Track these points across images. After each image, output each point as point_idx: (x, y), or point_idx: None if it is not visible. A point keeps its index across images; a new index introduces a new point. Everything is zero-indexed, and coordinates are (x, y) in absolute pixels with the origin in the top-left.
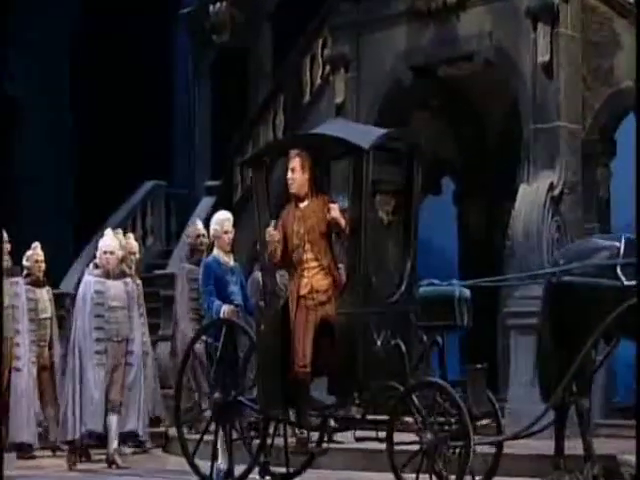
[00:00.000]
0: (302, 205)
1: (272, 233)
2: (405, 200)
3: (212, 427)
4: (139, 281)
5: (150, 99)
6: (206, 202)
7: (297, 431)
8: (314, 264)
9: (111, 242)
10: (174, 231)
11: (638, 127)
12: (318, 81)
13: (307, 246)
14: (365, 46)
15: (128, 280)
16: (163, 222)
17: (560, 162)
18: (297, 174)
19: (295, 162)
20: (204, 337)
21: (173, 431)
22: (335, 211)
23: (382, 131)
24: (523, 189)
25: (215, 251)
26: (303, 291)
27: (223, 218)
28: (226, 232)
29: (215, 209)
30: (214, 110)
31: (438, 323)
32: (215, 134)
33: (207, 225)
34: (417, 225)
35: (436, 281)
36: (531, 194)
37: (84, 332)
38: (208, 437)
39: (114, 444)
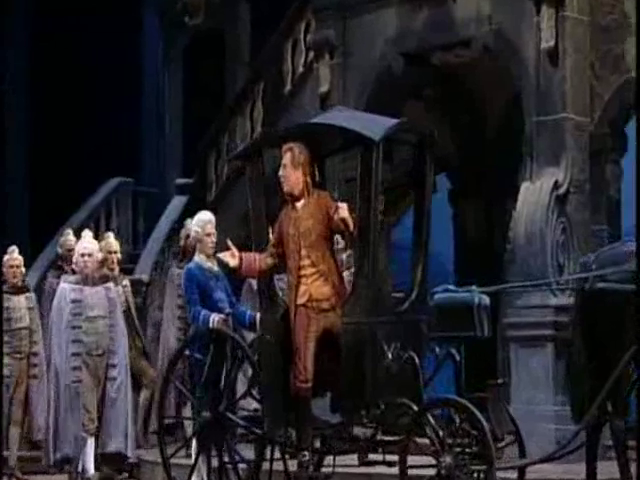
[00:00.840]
0: (298, 205)
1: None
2: (415, 199)
3: (196, 450)
4: (126, 282)
5: (116, 88)
6: (177, 201)
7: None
8: (312, 270)
9: (89, 244)
10: (141, 233)
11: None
12: (301, 68)
13: (303, 251)
14: (352, 30)
15: (110, 285)
16: (130, 223)
17: (566, 158)
18: (289, 170)
19: (286, 157)
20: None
21: (144, 453)
22: (344, 211)
23: (392, 121)
24: (525, 188)
25: (197, 256)
26: (301, 300)
27: (205, 219)
28: (208, 235)
29: (187, 209)
30: (186, 100)
31: (456, 334)
32: (187, 126)
33: (179, 226)
34: (429, 227)
35: (452, 287)
36: (534, 193)
37: (59, 346)
38: (191, 461)
39: (90, 470)
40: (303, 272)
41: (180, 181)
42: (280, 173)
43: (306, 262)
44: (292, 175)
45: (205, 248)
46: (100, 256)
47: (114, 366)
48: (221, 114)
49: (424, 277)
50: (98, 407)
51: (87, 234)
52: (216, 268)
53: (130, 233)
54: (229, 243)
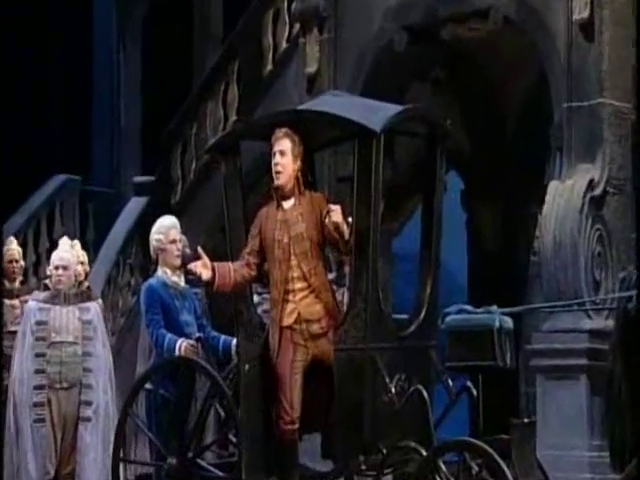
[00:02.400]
0: (287, 205)
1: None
2: (423, 201)
3: None
4: (100, 301)
5: (62, 71)
6: (135, 204)
7: None
8: (302, 284)
9: (65, 253)
10: (92, 240)
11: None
12: (284, 44)
13: (293, 260)
14: None
15: (89, 305)
16: (77, 229)
17: (603, 152)
18: (287, 159)
19: (284, 144)
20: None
21: None
22: (337, 215)
23: (394, 108)
24: (554, 188)
25: (160, 270)
26: (287, 321)
27: (168, 224)
28: (173, 242)
29: (147, 213)
30: (146, 83)
31: (472, 363)
32: (147, 114)
33: (135, 233)
34: (439, 235)
35: (467, 307)
36: (564, 194)
37: (20, 377)
38: None
39: None
40: (291, 286)
41: (138, 179)
42: (276, 161)
43: (296, 274)
44: (289, 166)
45: (169, 259)
46: (79, 269)
47: (88, 404)
48: (188, 99)
49: (433, 295)
50: (69, 454)
51: (65, 242)
52: (183, 284)
53: (77, 241)
54: (200, 251)
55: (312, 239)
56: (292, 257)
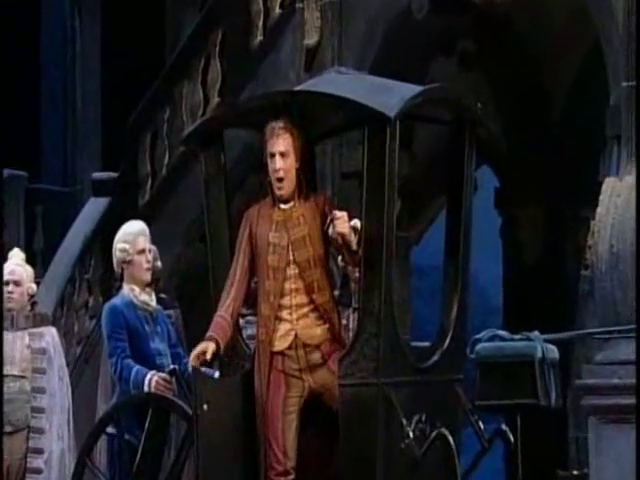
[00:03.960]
0: (285, 206)
1: None
2: (448, 204)
3: None
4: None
5: (6, 47)
6: (94, 205)
7: None
8: (301, 300)
9: (18, 267)
10: (41, 250)
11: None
12: (277, 10)
13: (293, 269)
14: None
15: (42, 331)
16: (22, 234)
17: None
18: (290, 162)
19: (285, 142)
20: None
21: None
22: (343, 224)
23: (413, 89)
24: (610, 186)
25: (125, 287)
26: (280, 345)
27: (135, 231)
28: (142, 252)
29: (109, 216)
30: (107, 60)
31: (509, 402)
32: (108, 98)
33: (94, 241)
34: (468, 245)
35: (502, 333)
36: (622, 194)
37: None
38: None
39: None
40: (288, 301)
41: (98, 176)
42: (277, 166)
43: (294, 285)
44: (293, 170)
45: (137, 273)
46: (33, 286)
47: (39, 452)
48: (159, 78)
49: (461, 318)
50: None
51: (16, 253)
52: (154, 304)
53: (23, 249)
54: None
55: (315, 246)
56: (291, 265)
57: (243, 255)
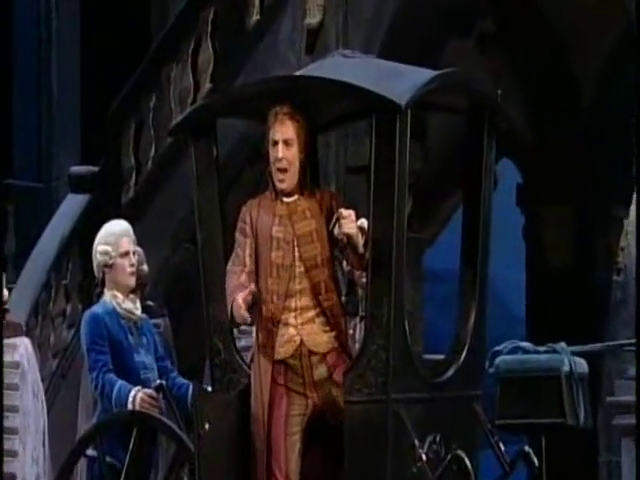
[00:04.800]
0: (288, 200)
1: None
2: (466, 201)
3: None
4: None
5: None
6: (72, 203)
7: None
8: (307, 302)
9: None
10: (13, 253)
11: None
12: None
13: (299, 266)
14: None
15: (16, 342)
16: None
17: None
18: (293, 151)
19: (289, 130)
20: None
21: None
22: (350, 224)
23: (426, 74)
24: None
25: (107, 293)
26: (283, 352)
27: (118, 232)
28: (125, 255)
29: (89, 215)
30: (86, 42)
31: (532, 421)
32: (88, 85)
33: (72, 243)
34: (487, 247)
35: (525, 344)
36: None
37: None
38: None
39: None
40: (293, 303)
41: (76, 170)
42: (280, 155)
43: (299, 286)
44: (297, 161)
45: (120, 279)
46: (5, 294)
47: (12, 478)
48: (144, 62)
49: (479, 328)
50: None
51: None
52: (139, 312)
53: None
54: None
55: (323, 243)
56: (296, 262)
57: (250, 248)
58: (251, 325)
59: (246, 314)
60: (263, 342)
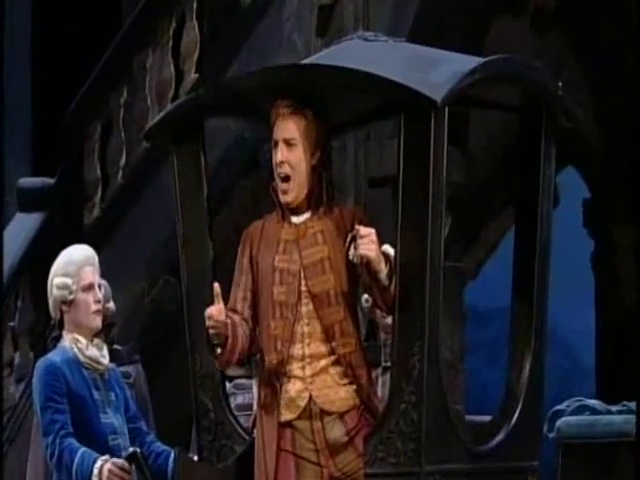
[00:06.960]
0: (296, 220)
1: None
2: (519, 220)
3: None
4: None
5: None
6: (21, 224)
7: None
8: (317, 349)
9: None
10: None
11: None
12: None
13: (306, 304)
14: None
15: None
16: None
17: None
18: (297, 153)
19: (292, 127)
20: None
21: None
22: (369, 241)
23: (469, 62)
24: None
25: (67, 338)
26: (289, 413)
27: (79, 260)
28: (88, 288)
29: (42, 238)
30: (39, 27)
31: None
32: (41, 79)
33: (20, 274)
34: (546, 277)
35: (595, 402)
36: None
37: None
38: None
39: None
40: (299, 350)
41: (26, 183)
42: (282, 157)
43: (307, 328)
44: (302, 165)
45: (83, 318)
46: None
47: None
48: (112, 47)
49: (535, 381)
50: None
51: None
52: (106, 360)
53: None
54: (216, 287)
55: (338, 274)
56: (304, 299)
57: (245, 288)
58: (252, 356)
59: (219, 317)
60: (265, 400)
